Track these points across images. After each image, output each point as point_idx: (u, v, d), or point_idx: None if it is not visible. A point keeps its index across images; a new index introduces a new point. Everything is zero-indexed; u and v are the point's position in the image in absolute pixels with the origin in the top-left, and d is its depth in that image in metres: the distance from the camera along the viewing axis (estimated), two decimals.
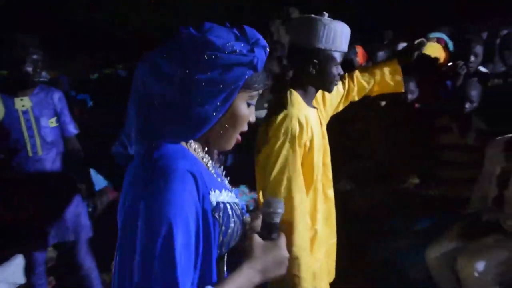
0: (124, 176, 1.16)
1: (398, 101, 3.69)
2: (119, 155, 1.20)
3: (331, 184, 2.24)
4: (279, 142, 1.90)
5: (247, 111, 1.18)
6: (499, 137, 3.02)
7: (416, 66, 3.51)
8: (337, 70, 2.03)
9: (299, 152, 1.92)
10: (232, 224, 1.18)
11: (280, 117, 1.92)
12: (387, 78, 2.46)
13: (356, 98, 2.52)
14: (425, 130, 3.56)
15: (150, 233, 0.99)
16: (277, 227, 1.16)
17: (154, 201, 1.00)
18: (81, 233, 3.12)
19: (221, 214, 1.15)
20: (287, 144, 1.90)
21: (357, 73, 2.48)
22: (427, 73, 3.70)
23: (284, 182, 1.90)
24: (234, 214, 1.20)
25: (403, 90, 2.55)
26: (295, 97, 2.00)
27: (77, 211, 3.10)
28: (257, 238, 1.14)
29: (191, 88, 1.06)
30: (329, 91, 2.10)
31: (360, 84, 2.46)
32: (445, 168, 3.45)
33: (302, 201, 1.93)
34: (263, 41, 1.14)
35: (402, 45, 4.09)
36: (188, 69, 1.06)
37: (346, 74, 2.43)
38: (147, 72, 1.10)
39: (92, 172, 3.66)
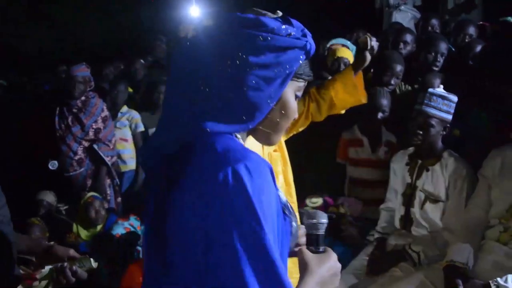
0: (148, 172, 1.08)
1: None
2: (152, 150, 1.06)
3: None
4: None
5: (296, 103, 1.08)
6: (402, 151, 2.70)
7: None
8: None
9: None
10: (294, 224, 1.09)
11: None
12: (344, 90, 2.15)
13: (319, 117, 2.24)
14: (333, 144, 3.22)
15: (240, 233, 0.88)
16: (324, 239, 1.11)
17: (240, 197, 0.88)
18: None
19: (287, 213, 1.05)
20: None
21: (314, 89, 2.21)
22: None
23: None
24: (294, 214, 1.10)
25: (364, 101, 2.22)
26: None
27: None
28: (308, 252, 1.07)
29: (245, 72, 0.97)
30: None
31: (319, 101, 2.18)
32: (356, 186, 3.11)
33: None
34: (306, 30, 1.06)
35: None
36: (241, 51, 0.97)
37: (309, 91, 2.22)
38: (194, 54, 1.01)
39: None
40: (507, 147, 2.33)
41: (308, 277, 1.03)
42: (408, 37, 3.57)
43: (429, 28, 3.90)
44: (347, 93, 2.17)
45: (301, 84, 1.07)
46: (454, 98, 2.42)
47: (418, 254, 2.42)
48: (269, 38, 0.98)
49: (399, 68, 3.20)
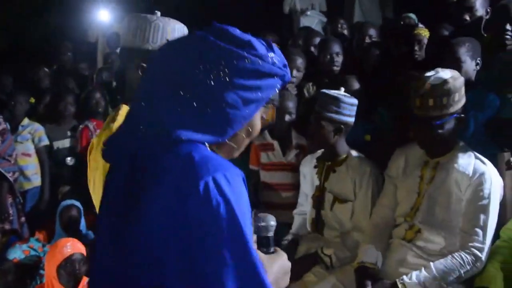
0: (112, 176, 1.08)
1: None
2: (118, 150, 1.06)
3: None
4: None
5: (260, 125, 1.14)
6: (310, 154, 2.70)
7: None
8: None
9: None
10: None
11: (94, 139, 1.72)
12: None
13: None
14: (248, 151, 3.17)
15: (225, 240, 0.92)
16: (273, 240, 1.18)
17: (222, 205, 0.92)
18: None
19: None
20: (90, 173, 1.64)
21: None
22: None
23: None
24: None
25: None
26: (122, 112, 1.65)
27: None
28: (261, 253, 1.13)
29: (227, 89, 1.00)
30: None
31: None
32: (269, 190, 3.07)
33: None
34: (286, 60, 1.11)
35: None
36: (228, 68, 1.00)
37: None
38: (177, 59, 1.02)
39: None
40: (410, 146, 2.37)
41: None
42: (318, 40, 3.61)
43: (337, 29, 3.98)
44: None
45: (269, 108, 1.18)
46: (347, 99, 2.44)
47: (330, 257, 2.42)
48: (256, 63, 1.02)
49: (299, 60, 3.29)
